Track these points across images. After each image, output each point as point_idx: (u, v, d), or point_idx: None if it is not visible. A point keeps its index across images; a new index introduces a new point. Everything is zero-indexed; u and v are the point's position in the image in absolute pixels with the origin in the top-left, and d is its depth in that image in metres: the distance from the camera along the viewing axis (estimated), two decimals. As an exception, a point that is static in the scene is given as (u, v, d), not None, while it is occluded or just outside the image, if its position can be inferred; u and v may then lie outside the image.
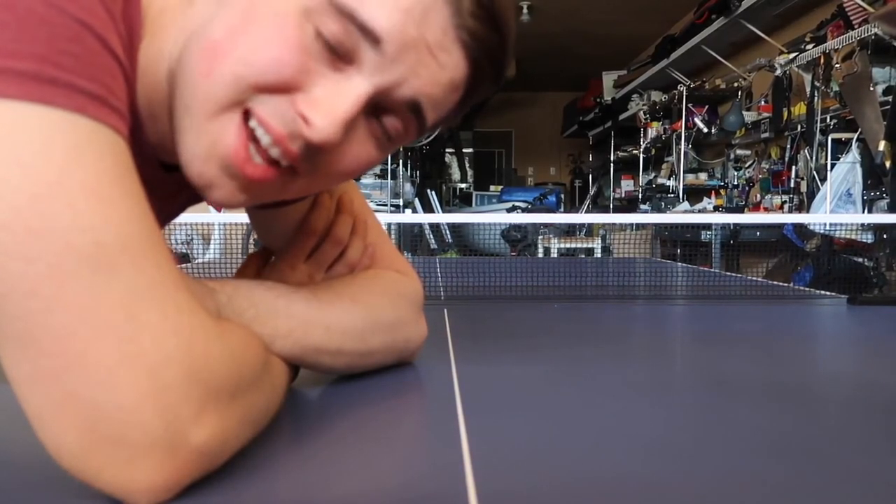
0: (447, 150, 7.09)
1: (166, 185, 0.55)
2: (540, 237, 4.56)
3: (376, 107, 0.47)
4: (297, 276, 0.60)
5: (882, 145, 2.91)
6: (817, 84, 3.59)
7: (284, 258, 0.61)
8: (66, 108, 0.34)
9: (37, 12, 0.34)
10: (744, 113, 4.68)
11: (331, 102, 0.44)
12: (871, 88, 3.12)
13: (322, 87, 0.44)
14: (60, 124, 0.34)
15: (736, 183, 4.97)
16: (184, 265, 2.01)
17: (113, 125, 0.36)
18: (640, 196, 6.33)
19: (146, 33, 0.45)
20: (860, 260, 3.16)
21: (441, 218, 4.71)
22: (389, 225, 3.77)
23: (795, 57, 3.81)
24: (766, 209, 4.26)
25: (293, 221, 0.63)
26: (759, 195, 4.46)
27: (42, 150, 0.33)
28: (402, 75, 0.45)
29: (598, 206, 7.64)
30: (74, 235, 0.33)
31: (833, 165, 3.32)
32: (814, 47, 3.64)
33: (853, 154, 3.22)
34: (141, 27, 0.45)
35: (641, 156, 6.43)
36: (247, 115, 0.44)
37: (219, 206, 0.49)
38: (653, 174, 6.26)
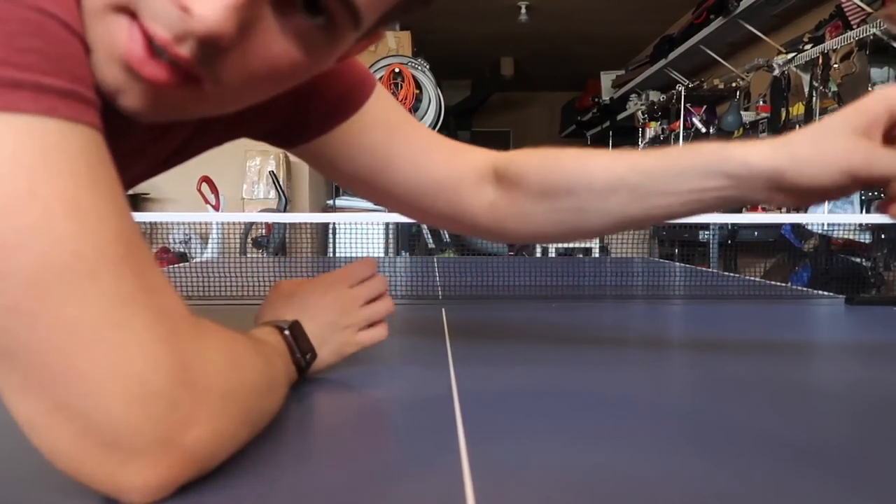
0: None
1: (148, 133, 0.52)
2: (538, 237, 4.54)
3: None
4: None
5: (880, 145, 2.91)
6: (815, 84, 3.59)
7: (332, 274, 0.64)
8: (34, 112, 0.32)
9: None
10: (742, 113, 4.69)
11: None
12: (870, 89, 3.12)
13: None
14: (29, 131, 0.32)
15: (734, 183, 4.97)
16: (181, 265, 2.01)
17: (86, 121, 0.35)
18: (638, 196, 6.32)
19: None
20: (858, 260, 3.17)
21: (439, 217, 4.68)
22: (387, 224, 3.77)
23: (794, 57, 3.81)
24: (763, 209, 4.26)
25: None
26: (756, 195, 4.46)
27: (11, 161, 0.32)
28: None
29: (597, 205, 7.63)
30: (51, 247, 0.32)
31: (831, 166, 3.31)
32: (812, 47, 3.65)
33: (851, 154, 3.22)
34: None
35: (640, 156, 6.43)
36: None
37: (140, 122, 0.42)
38: (651, 174, 6.25)
